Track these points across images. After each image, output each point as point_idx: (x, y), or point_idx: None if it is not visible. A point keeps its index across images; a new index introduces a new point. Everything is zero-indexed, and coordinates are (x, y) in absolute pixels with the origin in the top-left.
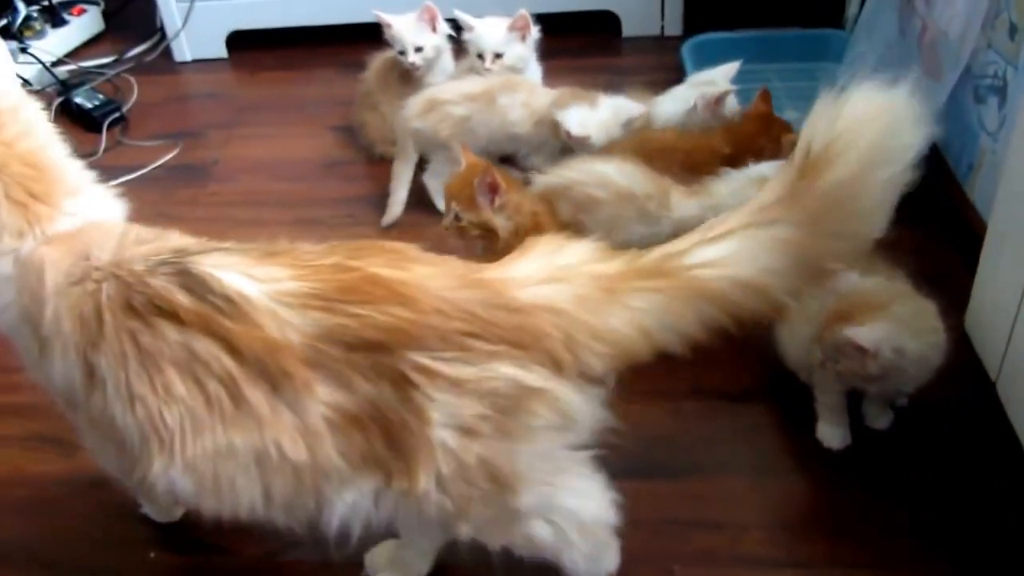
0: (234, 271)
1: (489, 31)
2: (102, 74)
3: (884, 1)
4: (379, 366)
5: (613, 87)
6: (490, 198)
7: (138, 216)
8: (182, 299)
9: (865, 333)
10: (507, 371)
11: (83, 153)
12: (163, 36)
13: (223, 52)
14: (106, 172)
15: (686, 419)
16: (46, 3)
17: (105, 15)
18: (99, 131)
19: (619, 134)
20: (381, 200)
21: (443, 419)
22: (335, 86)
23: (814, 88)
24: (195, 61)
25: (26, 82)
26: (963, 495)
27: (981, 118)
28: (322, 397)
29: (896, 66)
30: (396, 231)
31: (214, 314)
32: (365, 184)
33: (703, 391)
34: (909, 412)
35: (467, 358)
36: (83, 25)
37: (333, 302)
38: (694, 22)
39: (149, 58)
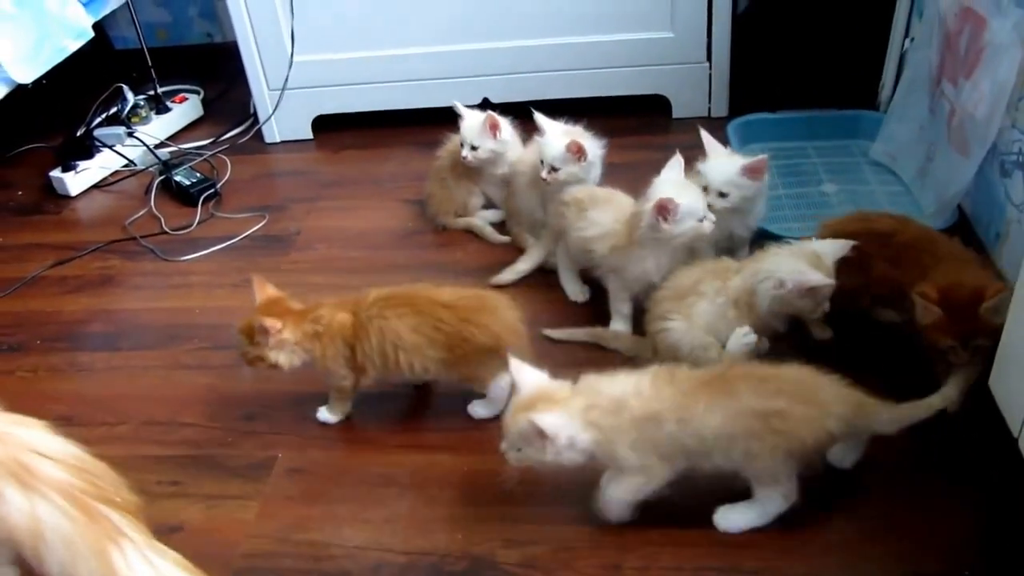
0: None
1: (551, 143)
2: (200, 155)
3: (915, 85)
4: None
5: (664, 163)
6: (266, 339)
7: (224, 280)
8: None
9: (547, 419)
10: None
11: (179, 225)
12: (255, 120)
13: (309, 134)
14: (200, 242)
15: None
16: (151, 92)
17: (204, 102)
18: (195, 205)
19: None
20: (448, 267)
21: None
22: (410, 163)
23: (850, 164)
24: (283, 142)
25: (131, 162)
26: (986, 547)
27: (1008, 191)
28: None
29: (927, 144)
30: None
31: None
32: (434, 252)
33: None
34: (935, 467)
35: None
36: (184, 112)
37: None
38: (739, 104)
39: (242, 140)
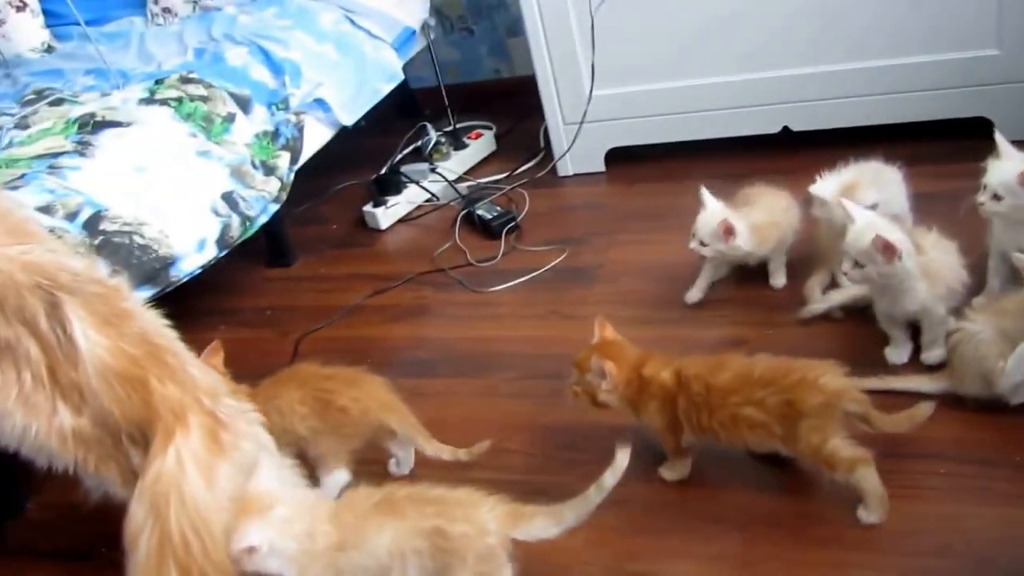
0: (79, 324)
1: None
2: (499, 188)
3: None
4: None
5: None
6: None
7: (532, 311)
8: (42, 322)
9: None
10: None
11: (484, 257)
12: (548, 154)
13: (601, 166)
14: (504, 274)
15: None
16: (448, 129)
17: (496, 137)
18: (498, 238)
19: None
20: (753, 299)
21: None
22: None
23: None
24: (576, 175)
25: (434, 197)
26: None
27: None
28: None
29: None
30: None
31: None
32: (739, 289)
33: None
34: None
35: None
36: (479, 147)
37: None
38: None
39: (539, 174)
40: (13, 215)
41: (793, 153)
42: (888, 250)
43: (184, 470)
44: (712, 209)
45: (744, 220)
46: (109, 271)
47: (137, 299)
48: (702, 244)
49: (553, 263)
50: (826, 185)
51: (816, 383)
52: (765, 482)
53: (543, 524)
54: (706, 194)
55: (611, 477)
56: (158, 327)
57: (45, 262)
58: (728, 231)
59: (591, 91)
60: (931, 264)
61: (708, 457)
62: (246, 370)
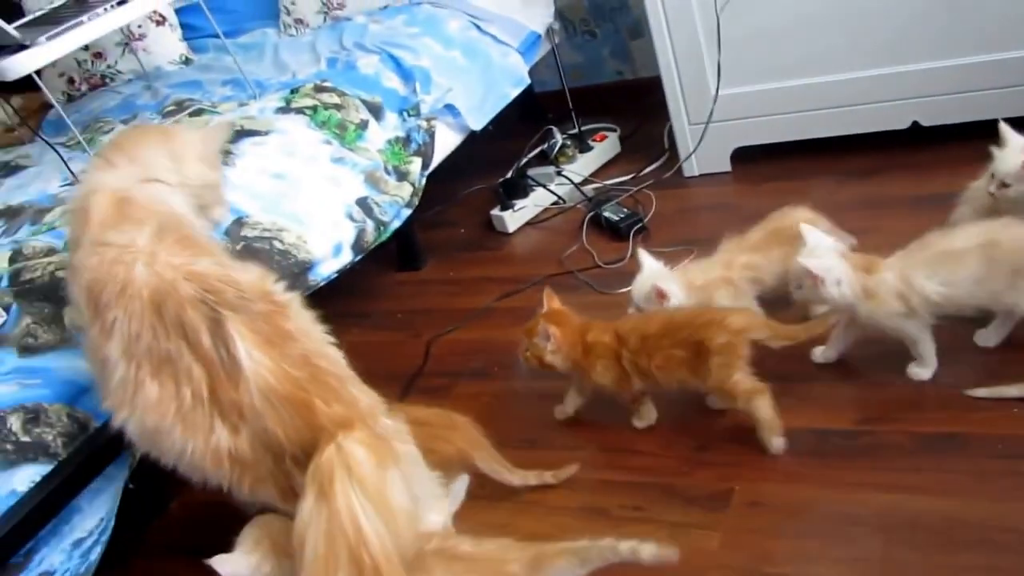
0: (242, 343)
1: (1006, 157)
2: (626, 190)
3: None
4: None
5: None
6: None
7: None
8: (204, 339)
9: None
10: None
11: (611, 259)
12: (672, 155)
13: (727, 166)
14: (633, 276)
15: None
16: (573, 132)
17: (620, 139)
18: (625, 240)
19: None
20: None
21: None
22: (836, 194)
23: None
24: (701, 175)
25: (560, 200)
26: None
27: None
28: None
29: None
30: None
31: (217, 363)
32: None
33: None
34: None
35: None
36: (604, 149)
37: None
38: None
39: (664, 175)
40: (185, 225)
41: (921, 149)
42: (812, 277)
43: (349, 452)
44: (647, 271)
45: (677, 280)
46: (283, 286)
47: (304, 317)
48: (639, 310)
49: (680, 264)
50: (1016, 134)
51: (723, 323)
52: (906, 482)
53: (567, 564)
54: (643, 255)
55: (649, 552)
56: (320, 346)
57: (211, 274)
58: (661, 295)
59: (717, 91)
60: (880, 285)
61: (845, 456)
62: (379, 372)
